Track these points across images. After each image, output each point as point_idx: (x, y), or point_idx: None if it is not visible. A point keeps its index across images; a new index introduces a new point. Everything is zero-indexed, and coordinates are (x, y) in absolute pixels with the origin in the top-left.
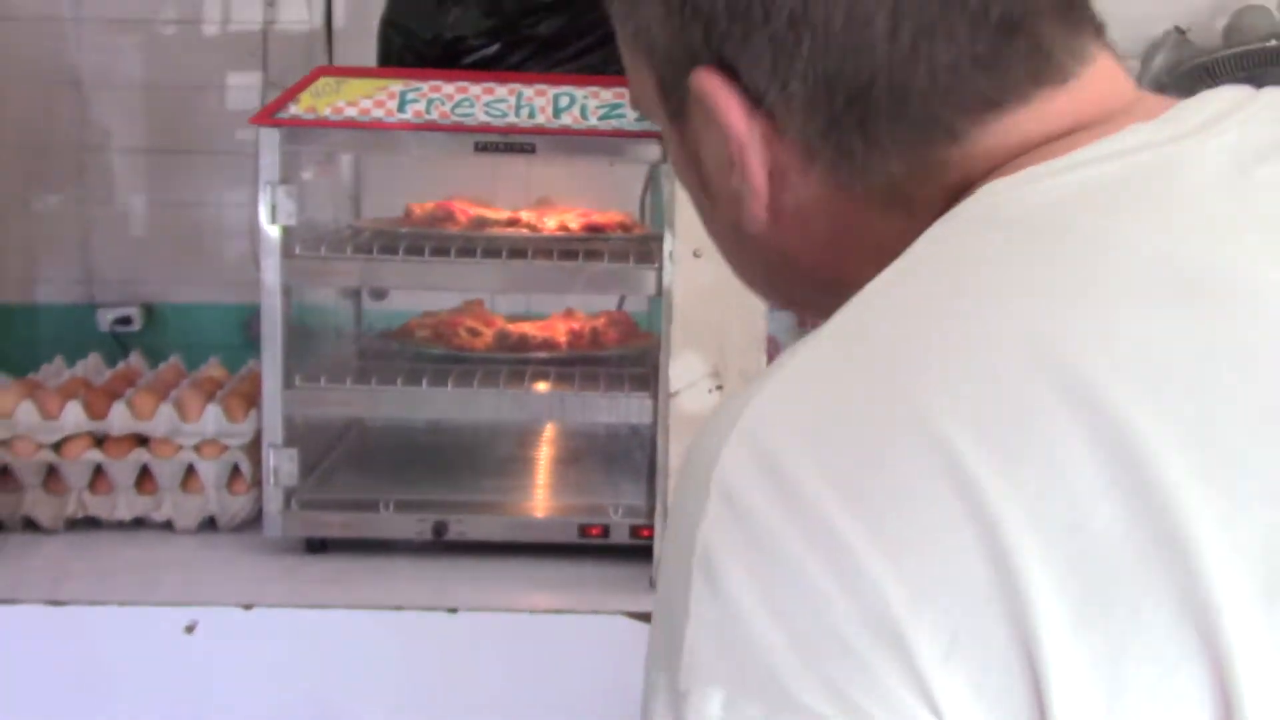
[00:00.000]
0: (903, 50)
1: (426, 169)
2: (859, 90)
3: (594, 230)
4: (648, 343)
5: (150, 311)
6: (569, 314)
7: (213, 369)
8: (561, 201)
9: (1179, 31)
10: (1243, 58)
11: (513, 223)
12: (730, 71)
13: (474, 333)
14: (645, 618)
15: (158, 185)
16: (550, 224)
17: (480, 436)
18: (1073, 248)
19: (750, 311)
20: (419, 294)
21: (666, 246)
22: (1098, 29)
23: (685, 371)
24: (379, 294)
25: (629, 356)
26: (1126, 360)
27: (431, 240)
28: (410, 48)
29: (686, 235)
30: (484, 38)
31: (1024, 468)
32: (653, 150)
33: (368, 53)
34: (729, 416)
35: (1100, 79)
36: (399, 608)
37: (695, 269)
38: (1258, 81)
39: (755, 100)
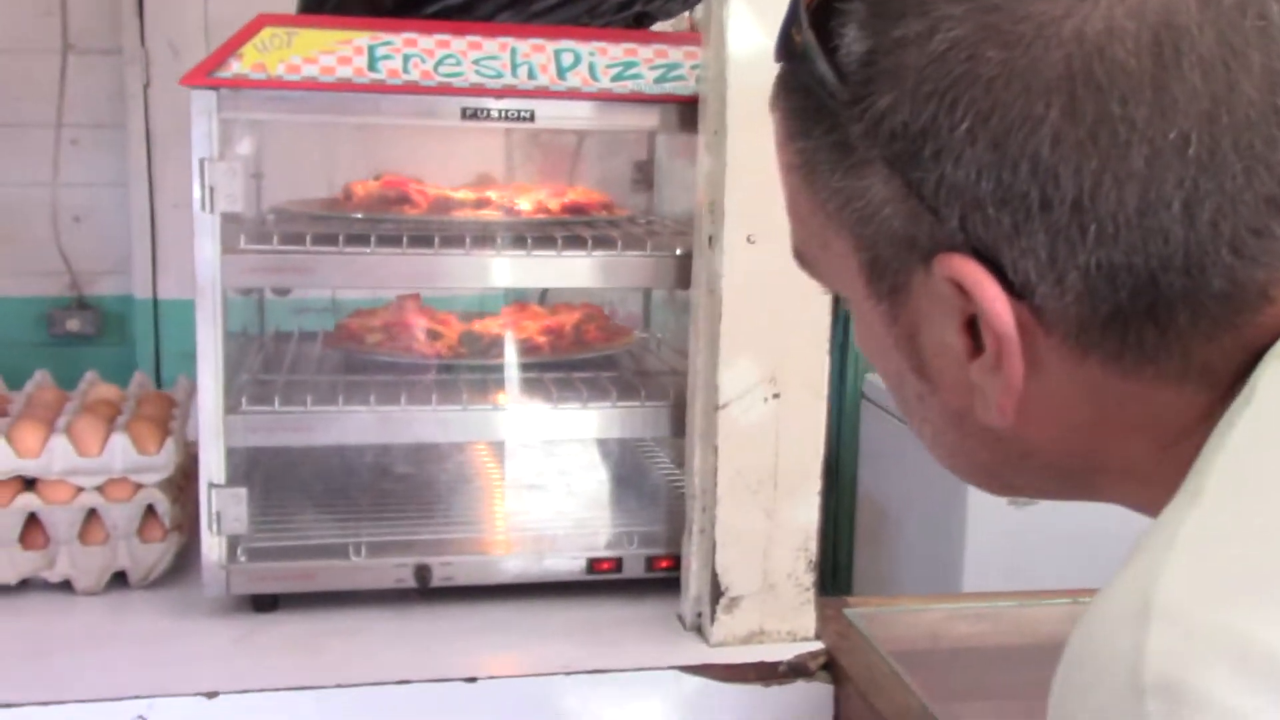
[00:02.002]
0: (1202, 231)
1: (341, 140)
2: (1149, 277)
3: (578, 211)
4: (632, 341)
5: None
6: (522, 308)
7: (101, 388)
8: (503, 177)
9: None
10: None
11: (482, 204)
12: (988, 260)
13: (434, 335)
14: (701, 671)
15: None
16: (525, 205)
17: (457, 459)
18: None
19: (813, 306)
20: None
21: (704, 231)
22: None
23: (736, 379)
24: (282, 289)
25: (613, 358)
26: None
27: (402, 228)
28: None
29: (738, 218)
30: None
31: None
32: (666, 115)
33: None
34: (1127, 608)
35: None
36: (404, 682)
37: (750, 258)
38: None
39: (1019, 292)
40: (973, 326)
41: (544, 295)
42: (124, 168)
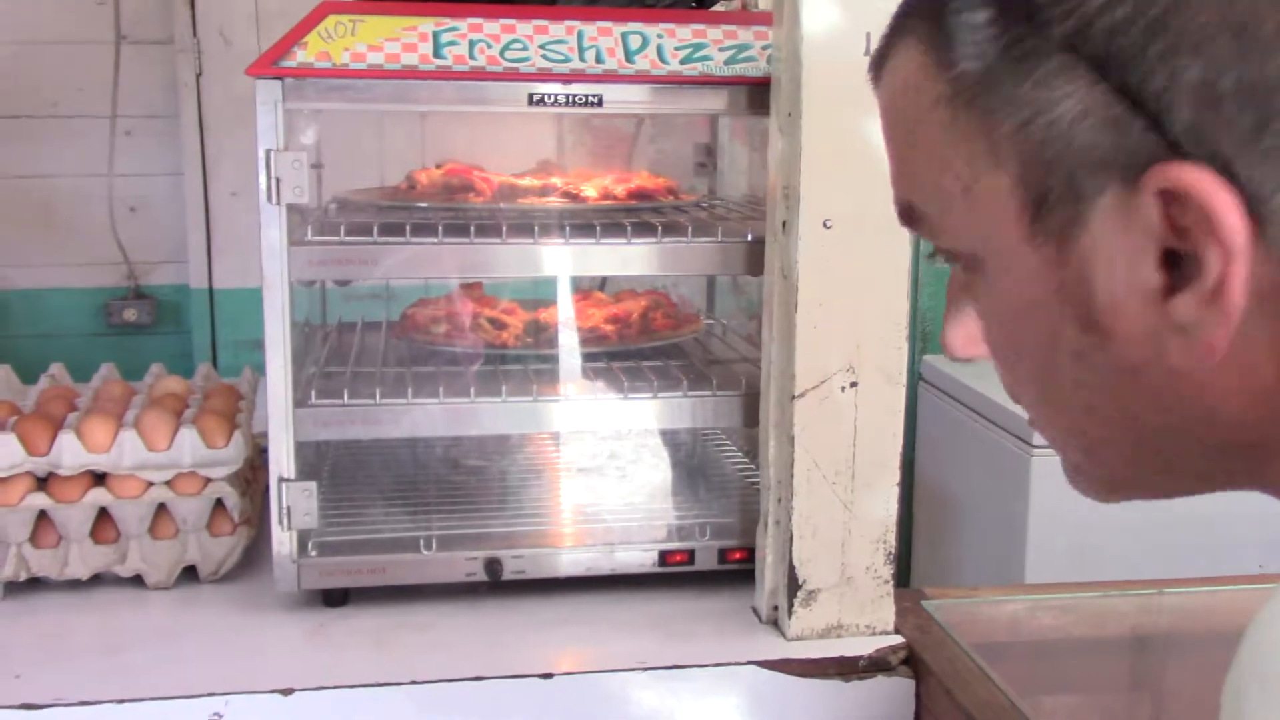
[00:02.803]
0: None
1: (404, 128)
2: None
3: (644, 197)
4: (699, 328)
5: None
6: (585, 296)
7: (168, 380)
8: (567, 163)
9: None
10: None
11: (547, 190)
12: (1216, 168)
13: (499, 324)
14: (780, 667)
15: None
16: (591, 191)
17: (526, 450)
18: None
19: (891, 293)
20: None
21: (778, 217)
22: None
23: (813, 367)
24: (344, 279)
25: (681, 346)
26: None
27: (469, 216)
28: None
29: (815, 201)
30: None
31: None
32: (737, 97)
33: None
34: None
35: None
36: (478, 678)
37: (826, 243)
38: None
39: (1250, 205)
40: (1168, 259)
41: (604, 283)
42: (178, 157)
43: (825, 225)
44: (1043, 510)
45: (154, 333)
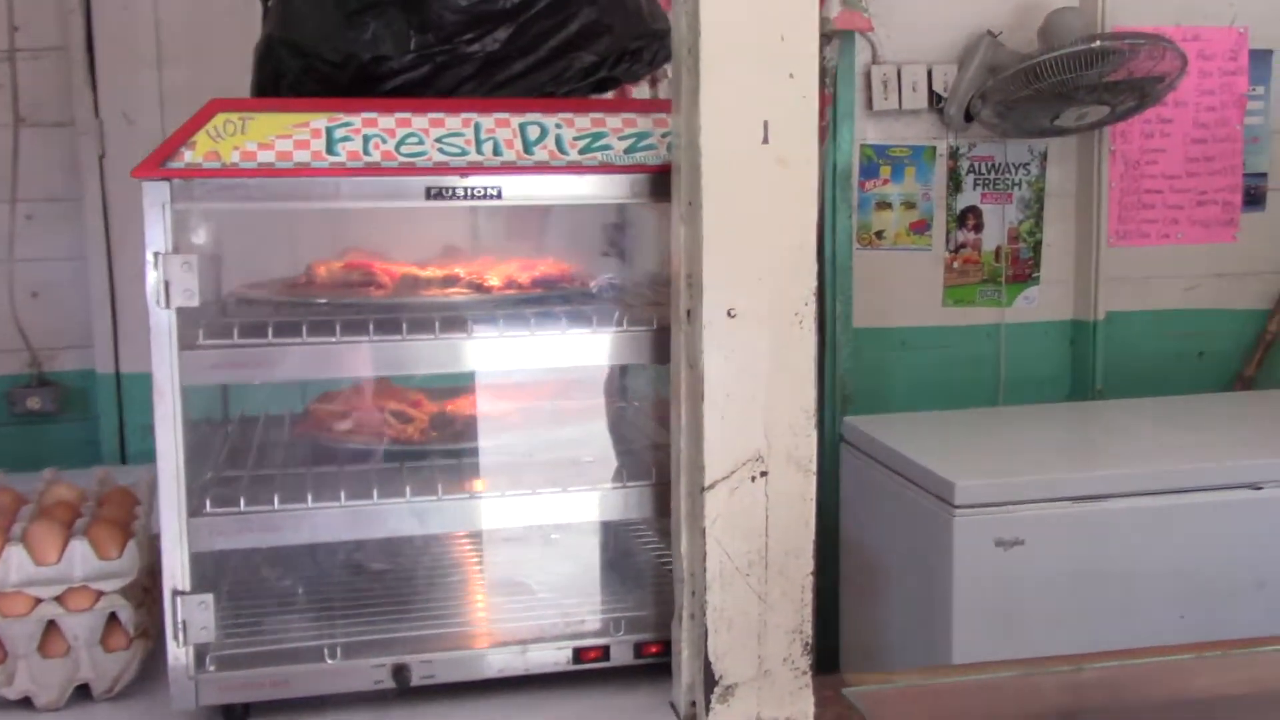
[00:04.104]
0: None
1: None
2: None
3: (550, 285)
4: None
5: None
6: (506, 387)
7: (59, 489)
8: (470, 250)
9: (991, 35)
10: (1066, 60)
11: (450, 281)
12: None
13: (403, 418)
14: None
15: None
16: (494, 280)
17: (434, 550)
18: None
19: (798, 381)
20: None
21: (682, 306)
22: None
23: (722, 458)
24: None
25: (604, 435)
26: None
27: (369, 311)
28: (311, 70)
29: (719, 291)
30: (412, 56)
31: None
32: (637, 185)
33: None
34: None
35: None
36: None
37: (731, 332)
38: (1077, 80)
39: None
40: None
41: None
42: (81, 240)
43: (730, 314)
44: (967, 564)
45: (60, 420)
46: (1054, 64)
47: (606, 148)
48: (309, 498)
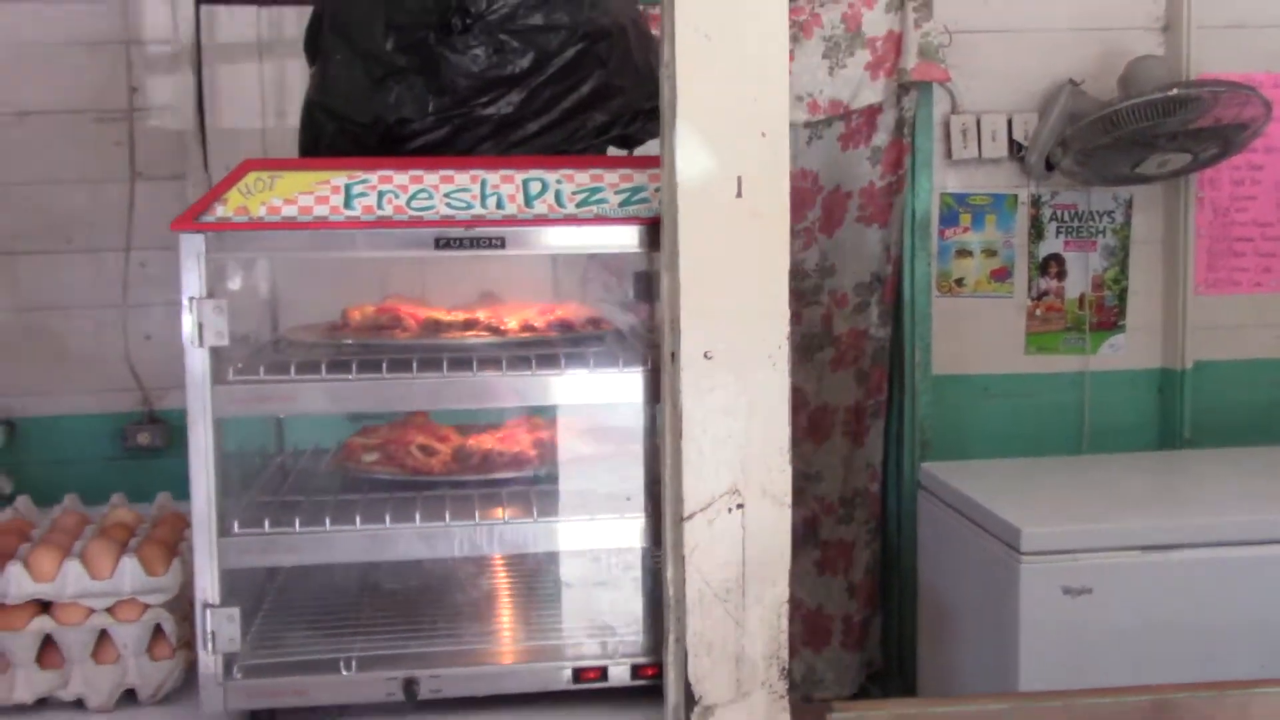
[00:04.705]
0: None
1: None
2: None
3: (565, 327)
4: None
5: (12, 427)
6: (528, 420)
7: (120, 512)
8: (506, 295)
9: (1073, 84)
10: (1144, 108)
11: (470, 324)
12: None
13: (428, 451)
14: None
15: (15, 288)
16: (512, 323)
17: (443, 571)
18: None
19: (772, 419)
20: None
21: (667, 347)
22: None
23: (699, 491)
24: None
25: (605, 467)
26: None
27: (388, 352)
28: (345, 132)
29: (695, 333)
30: (431, 118)
31: None
32: (630, 236)
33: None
34: None
35: None
36: None
37: (706, 373)
38: (1157, 128)
39: None
40: None
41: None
42: None
43: (706, 356)
44: (1033, 611)
45: (166, 455)
46: (1133, 111)
47: (603, 201)
48: (327, 521)
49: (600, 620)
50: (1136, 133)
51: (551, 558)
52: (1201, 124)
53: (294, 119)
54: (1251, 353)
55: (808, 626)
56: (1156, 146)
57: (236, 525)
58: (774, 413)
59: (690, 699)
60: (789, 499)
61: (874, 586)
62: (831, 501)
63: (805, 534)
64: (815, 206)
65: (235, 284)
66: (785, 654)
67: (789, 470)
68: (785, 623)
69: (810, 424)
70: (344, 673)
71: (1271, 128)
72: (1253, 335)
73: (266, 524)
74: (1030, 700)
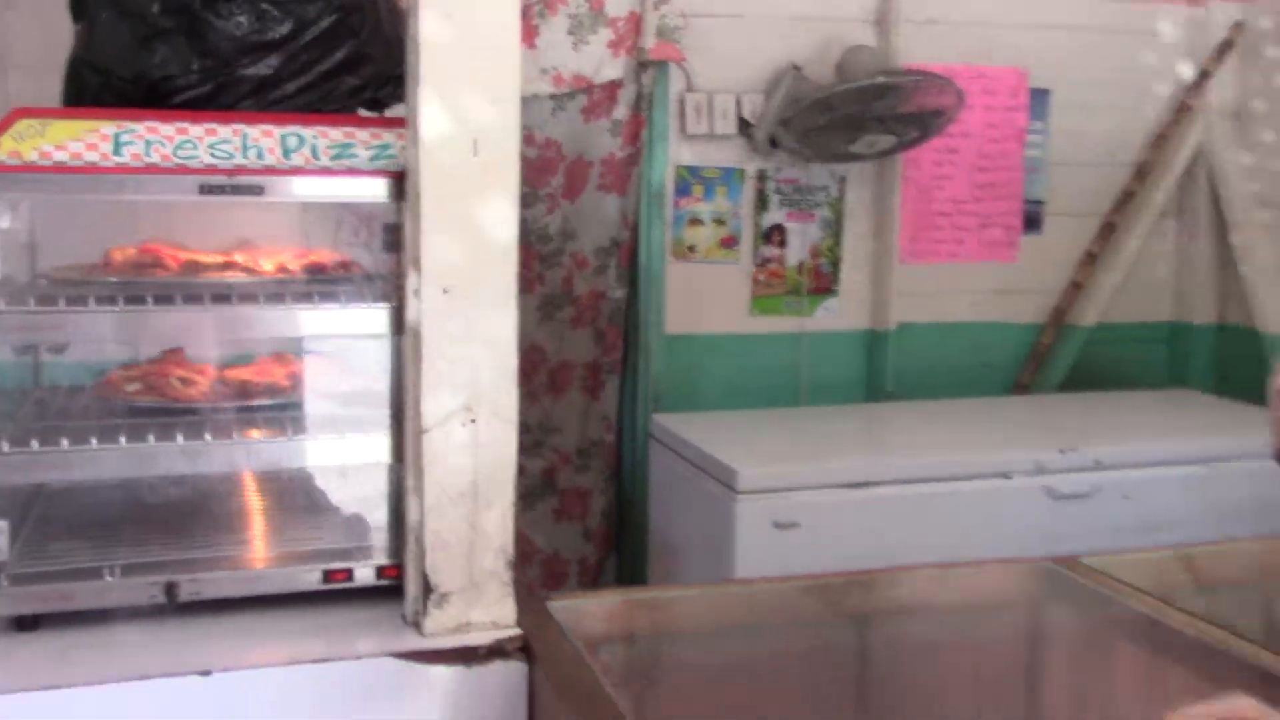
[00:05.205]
0: None
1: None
2: None
3: (317, 270)
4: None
5: None
6: (280, 357)
7: None
8: (263, 243)
9: (795, 68)
10: (856, 93)
11: (228, 265)
12: None
13: (187, 382)
14: (413, 657)
15: None
16: (268, 265)
17: (204, 488)
18: None
19: (501, 347)
20: (99, 344)
21: (411, 285)
22: None
23: (437, 408)
24: (58, 347)
25: (353, 394)
26: None
27: (150, 289)
28: (110, 87)
29: (435, 271)
30: (195, 77)
31: None
32: (379, 187)
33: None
34: None
35: None
36: (145, 677)
37: (444, 306)
38: (867, 112)
39: None
40: None
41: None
42: None
43: (445, 292)
44: (748, 551)
45: None
46: (846, 96)
47: (354, 155)
48: (94, 440)
49: (349, 528)
50: (849, 115)
51: (305, 473)
52: (905, 109)
53: (45, 70)
54: (948, 316)
55: (546, 570)
56: (867, 128)
57: (6, 445)
58: (503, 344)
59: (428, 589)
60: (515, 419)
61: (609, 531)
62: (569, 453)
63: (544, 484)
64: (559, 174)
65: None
66: (511, 550)
67: (515, 394)
68: (511, 524)
69: (550, 380)
70: (108, 578)
71: (964, 115)
72: (949, 300)
73: (34, 444)
74: (719, 587)
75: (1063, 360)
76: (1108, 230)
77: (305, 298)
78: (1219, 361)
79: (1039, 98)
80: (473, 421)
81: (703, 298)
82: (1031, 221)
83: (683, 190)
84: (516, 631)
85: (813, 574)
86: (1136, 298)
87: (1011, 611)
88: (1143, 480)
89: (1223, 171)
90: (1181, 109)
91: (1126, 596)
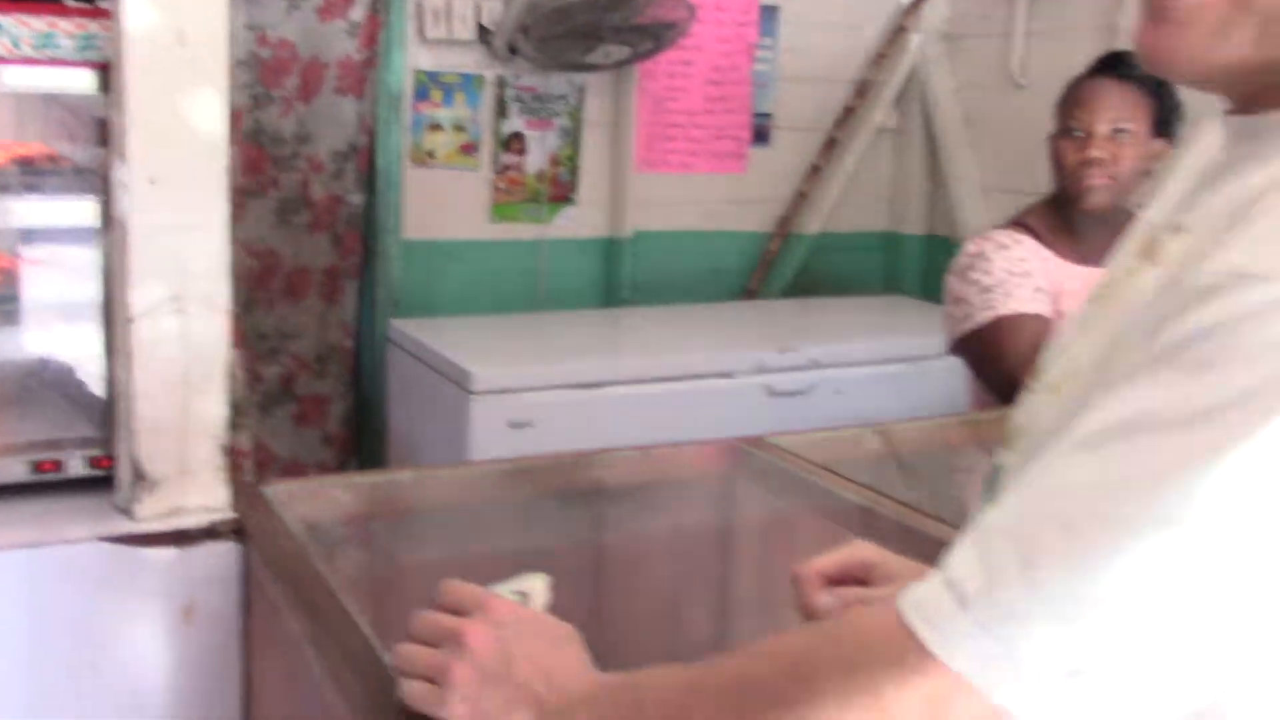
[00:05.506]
0: None
1: None
2: None
3: (25, 163)
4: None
5: None
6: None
7: None
8: None
9: None
10: (591, 3)
11: None
12: None
13: None
14: (124, 540)
15: None
16: None
17: None
18: None
19: (211, 238)
20: None
21: (117, 175)
22: None
23: (145, 298)
24: None
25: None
26: None
27: None
28: None
29: (141, 162)
30: None
31: None
32: (86, 80)
33: None
34: None
35: None
36: None
37: (151, 197)
38: (603, 22)
39: None
40: None
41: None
42: None
43: (151, 181)
44: (482, 451)
45: None
46: (582, 5)
47: (58, 46)
48: None
49: (60, 421)
50: (586, 25)
51: (14, 366)
52: (640, 21)
53: None
54: (682, 225)
55: (285, 476)
56: (603, 39)
57: None
58: (215, 232)
59: (139, 476)
60: (227, 308)
61: (349, 436)
62: (307, 359)
63: (282, 390)
64: (294, 75)
65: None
66: (223, 434)
67: (228, 284)
68: (224, 410)
69: (287, 285)
70: None
71: (697, 29)
72: (682, 210)
73: None
74: (432, 470)
75: (788, 267)
76: (831, 145)
77: (12, 190)
78: (926, 269)
79: (769, 14)
80: (182, 311)
81: (442, 204)
82: (760, 134)
83: (421, 95)
84: (230, 515)
85: (521, 456)
86: (855, 209)
87: (704, 485)
88: (854, 378)
89: (933, 92)
90: (899, 30)
91: (805, 470)
